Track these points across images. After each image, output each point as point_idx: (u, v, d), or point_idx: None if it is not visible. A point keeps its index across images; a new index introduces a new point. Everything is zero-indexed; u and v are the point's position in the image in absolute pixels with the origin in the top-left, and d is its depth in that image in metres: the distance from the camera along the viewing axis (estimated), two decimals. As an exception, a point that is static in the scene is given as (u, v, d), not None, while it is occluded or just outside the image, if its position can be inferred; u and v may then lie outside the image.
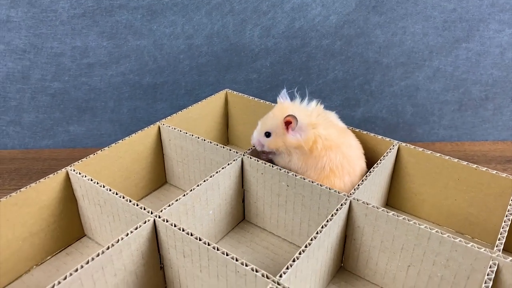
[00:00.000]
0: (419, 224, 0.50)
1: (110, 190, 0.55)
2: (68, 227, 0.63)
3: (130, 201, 0.53)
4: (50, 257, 0.61)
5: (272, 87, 0.88)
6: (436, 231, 0.49)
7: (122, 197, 0.54)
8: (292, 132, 0.61)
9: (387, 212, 0.52)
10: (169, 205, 0.53)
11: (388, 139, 0.69)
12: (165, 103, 0.87)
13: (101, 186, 0.56)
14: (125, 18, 0.78)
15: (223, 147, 0.65)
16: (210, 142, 0.67)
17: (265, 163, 0.61)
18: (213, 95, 0.83)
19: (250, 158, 0.63)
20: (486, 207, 0.63)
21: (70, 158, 0.87)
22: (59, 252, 0.62)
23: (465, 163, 0.63)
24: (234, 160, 0.62)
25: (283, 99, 0.66)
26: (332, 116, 0.67)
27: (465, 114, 0.93)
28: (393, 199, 0.72)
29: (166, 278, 0.56)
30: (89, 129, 0.89)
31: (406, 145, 0.67)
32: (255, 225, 0.68)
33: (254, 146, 0.65)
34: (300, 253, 0.46)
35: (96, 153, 0.64)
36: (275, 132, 0.62)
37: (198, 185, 0.57)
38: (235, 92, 0.85)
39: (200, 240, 0.47)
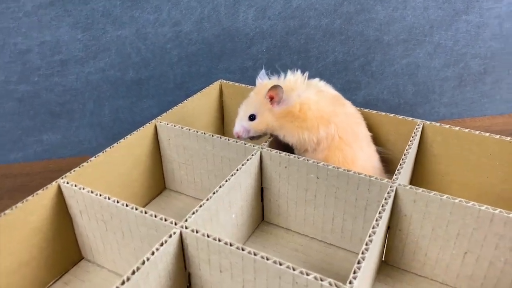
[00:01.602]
0: (479, 206, 0.45)
1: (118, 202, 0.46)
2: (64, 251, 0.53)
3: (145, 213, 0.45)
4: (46, 290, 0.51)
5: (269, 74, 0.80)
6: (500, 211, 0.45)
7: (134, 208, 0.45)
8: (278, 106, 0.58)
9: (440, 195, 0.47)
10: (193, 213, 0.45)
11: (410, 118, 0.64)
12: (152, 100, 0.78)
13: (105, 198, 0.47)
14: (102, 5, 0.68)
15: (237, 142, 0.58)
16: (220, 137, 0.59)
17: (289, 155, 0.54)
18: (207, 87, 0.75)
19: (270, 151, 0.55)
20: (521, 182, 0.59)
21: (46, 171, 0.76)
22: (56, 281, 0.52)
23: (498, 136, 0.59)
24: (252, 155, 0.55)
25: (262, 79, 0.63)
26: (320, 83, 0.63)
27: (464, 90, 0.90)
28: (417, 183, 0.67)
29: (194, 298, 0.47)
30: (65, 137, 0.78)
31: (430, 123, 0.63)
32: (277, 225, 0.61)
33: (237, 136, 0.60)
34: (363, 253, 0.39)
35: (90, 160, 0.54)
36: (260, 111, 0.58)
37: (220, 186, 0.49)
38: (230, 82, 0.77)
39: (243, 250, 0.40)
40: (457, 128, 0.61)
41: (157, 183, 0.67)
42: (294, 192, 0.57)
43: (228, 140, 0.58)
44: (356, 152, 0.58)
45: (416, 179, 0.67)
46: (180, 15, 0.72)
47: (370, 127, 0.67)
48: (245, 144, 0.57)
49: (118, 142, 0.58)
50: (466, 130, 0.61)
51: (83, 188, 0.48)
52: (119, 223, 0.47)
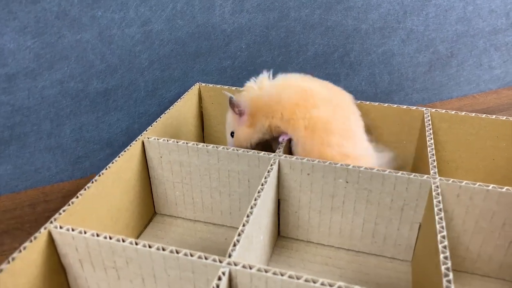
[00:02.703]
0: (527, 192, 0.43)
1: (137, 244, 0.37)
2: (59, 312, 0.42)
3: (177, 252, 0.36)
4: None
5: (249, 73, 0.74)
6: (549, 196, 0.43)
7: (161, 248, 0.37)
8: (244, 116, 0.55)
9: (485, 186, 0.44)
10: (234, 244, 0.37)
11: (414, 107, 0.62)
12: (121, 112, 0.67)
13: (119, 241, 0.37)
14: (55, 5, 0.57)
15: (248, 152, 0.50)
16: (227, 149, 0.51)
17: (313, 160, 0.48)
18: (187, 92, 0.66)
19: (290, 158, 0.49)
20: (527, 160, 0.60)
21: (-3, 211, 0.62)
22: None
23: (504, 117, 0.58)
24: (271, 165, 0.48)
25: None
26: (285, 75, 0.59)
27: (434, 75, 0.91)
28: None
29: None
30: (17, 166, 0.65)
31: (436, 110, 0.61)
32: (296, 239, 0.55)
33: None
34: (445, 263, 0.35)
35: (80, 195, 0.44)
36: (235, 127, 0.57)
37: (252, 207, 0.42)
38: (210, 85, 0.69)
39: (314, 282, 0.33)
40: (463, 113, 0.60)
41: (147, 209, 0.58)
42: (317, 200, 0.51)
43: (237, 150, 0.51)
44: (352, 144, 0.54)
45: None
46: (150, 12, 0.62)
47: (373, 120, 0.63)
48: (258, 153, 0.50)
49: (107, 167, 0.48)
50: (473, 114, 0.59)
51: (85, 232, 0.38)
52: (138, 269, 0.38)
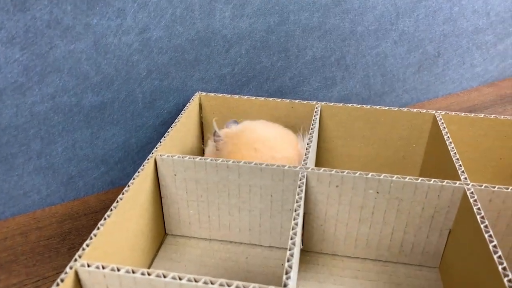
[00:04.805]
0: (559, 195, 0.44)
1: (180, 279, 0.33)
2: None
3: (228, 285, 0.33)
4: None
5: (248, 79, 0.71)
6: None
7: (209, 282, 0.33)
8: None
9: (518, 190, 0.44)
10: (287, 272, 0.35)
11: (424, 110, 0.61)
12: (117, 126, 0.63)
13: (159, 276, 0.34)
14: (47, 12, 0.51)
15: (272, 166, 0.48)
16: (248, 163, 0.48)
17: (342, 172, 0.47)
18: (189, 103, 0.63)
19: (317, 170, 0.47)
20: (534, 158, 0.61)
21: (-16, 243, 0.56)
22: None
23: (512, 118, 0.59)
24: (300, 180, 0.46)
25: None
26: None
27: (422, 75, 0.92)
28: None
29: None
30: (3, 191, 0.58)
31: (446, 113, 0.61)
32: (320, 253, 0.53)
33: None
34: (506, 276, 0.34)
35: (101, 225, 0.39)
36: None
37: (293, 228, 0.39)
38: (211, 94, 0.65)
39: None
40: (472, 115, 0.60)
41: (158, 231, 0.54)
42: (345, 213, 0.49)
43: (260, 165, 0.48)
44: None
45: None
46: (148, 18, 0.58)
47: (383, 124, 0.63)
48: (283, 166, 0.48)
49: (123, 192, 0.43)
50: (481, 115, 0.60)
51: (118, 269, 0.34)
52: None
